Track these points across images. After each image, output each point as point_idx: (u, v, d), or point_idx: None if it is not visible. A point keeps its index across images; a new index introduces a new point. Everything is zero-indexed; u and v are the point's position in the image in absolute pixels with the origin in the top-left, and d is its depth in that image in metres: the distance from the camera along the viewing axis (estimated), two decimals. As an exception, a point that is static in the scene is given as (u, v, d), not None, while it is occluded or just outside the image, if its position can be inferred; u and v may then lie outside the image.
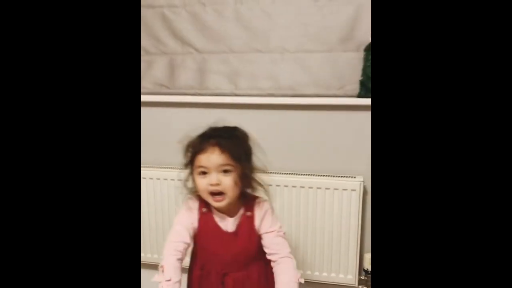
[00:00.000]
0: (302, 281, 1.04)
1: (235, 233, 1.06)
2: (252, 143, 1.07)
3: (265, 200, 1.10)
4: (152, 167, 1.62)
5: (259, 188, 1.08)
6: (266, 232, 1.07)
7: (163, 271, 0.98)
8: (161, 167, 1.61)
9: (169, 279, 0.96)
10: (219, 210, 1.06)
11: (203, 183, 1.01)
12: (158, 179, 1.59)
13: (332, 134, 1.50)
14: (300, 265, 1.49)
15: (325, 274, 1.52)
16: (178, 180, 1.49)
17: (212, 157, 0.99)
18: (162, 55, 1.64)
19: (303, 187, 1.47)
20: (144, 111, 1.68)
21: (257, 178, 1.07)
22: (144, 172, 1.60)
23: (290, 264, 1.04)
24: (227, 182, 1.00)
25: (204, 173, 1.01)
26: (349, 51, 1.46)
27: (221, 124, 1.06)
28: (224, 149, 0.99)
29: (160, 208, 1.61)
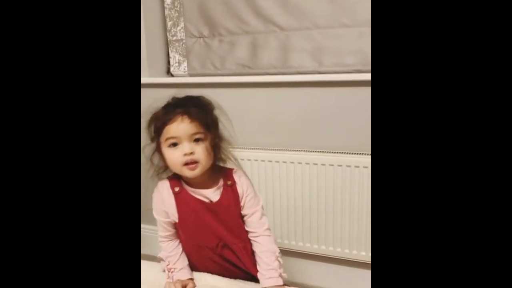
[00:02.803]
0: (280, 259, 1.02)
1: (220, 202, 1.01)
2: (217, 112, 1.02)
3: (241, 171, 1.06)
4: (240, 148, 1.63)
5: (230, 160, 1.04)
6: (250, 214, 1.03)
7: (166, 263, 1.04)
8: (250, 148, 1.62)
9: (172, 268, 1.01)
10: (193, 183, 1.01)
11: (175, 155, 0.95)
12: (249, 160, 1.60)
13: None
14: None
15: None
16: (269, 161, 1.46)
17: (182, 126, 0.94)
18: (244, 35, 1.63)
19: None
20: (228, 92, 1.70)
21: (226, 149, 1.03)
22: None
23: (269, 240, 1.03)
24: (200, 151, 0.95)
25: (174, 144, 0.96)
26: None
27: (183, 94, 1.00)
28: (193, 117, 0.94)
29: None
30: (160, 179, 1.04)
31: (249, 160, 1.58)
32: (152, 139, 1.00)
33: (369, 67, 1.44)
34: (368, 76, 1.44)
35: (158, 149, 1.00)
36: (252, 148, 1.59)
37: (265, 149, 1.57)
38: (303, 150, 1.53)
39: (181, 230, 1.04)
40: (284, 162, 1.52)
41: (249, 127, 1.63)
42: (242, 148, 1.61)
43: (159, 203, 1.02)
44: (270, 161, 1.54)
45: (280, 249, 1.05)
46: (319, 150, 1.51)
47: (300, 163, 1.50)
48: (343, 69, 1.49)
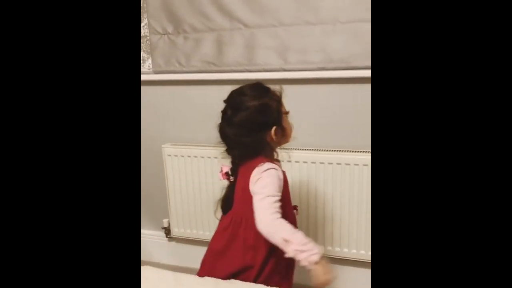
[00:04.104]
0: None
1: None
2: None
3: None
4: (205, 146, 1.63)
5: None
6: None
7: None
8: (214, 146, 1.61)
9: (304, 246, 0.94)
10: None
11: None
12: (209, 157, 1.61)
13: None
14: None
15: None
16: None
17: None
18: (209, 32, 1.62)
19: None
20: (193, 89, 1.68)
21: None
22: (197, 151, 1.64)
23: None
24: None
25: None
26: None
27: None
28: None
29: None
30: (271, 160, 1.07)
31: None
32: (278, 119, 1.06)
33: (333, 65, 1.47)
34: (332, 74, 1.47)
35: (277, 124, 1.05)
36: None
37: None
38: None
39: (283, 205, 1.03)
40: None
41: (214, 124, 1.62)
42: (209, 146, 1.61)
43: (278, 180, 1.03)
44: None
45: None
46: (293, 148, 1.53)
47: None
48: (307, 67, 1.51)
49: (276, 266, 1.06)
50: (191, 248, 1.79)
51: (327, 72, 1.47)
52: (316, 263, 0.92)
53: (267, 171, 1.01)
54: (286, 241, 0.94)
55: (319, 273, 0.92)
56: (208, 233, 1.68)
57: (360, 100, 1.45)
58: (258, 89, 1.07)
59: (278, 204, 1.00)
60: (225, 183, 1.14)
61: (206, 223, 1.70)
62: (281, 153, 1.11)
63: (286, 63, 1.54)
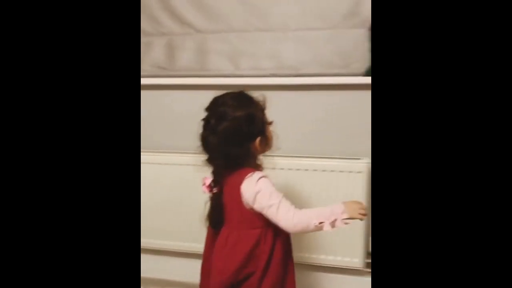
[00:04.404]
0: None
1: None
2: None
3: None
4: (153, 152, 1.59)
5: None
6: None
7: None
8: (162, 152, 1.58)
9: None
10: None
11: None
12: (159, 164, 1.57)
13: (336, 114, 1.45)
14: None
15: (331, 257, 1.50)
16: (181, 164, 1.44)
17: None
18: (160, 36, 1.59)
19: (306, 170, 1.44)
20: (143, 94, 1.64)
21: None
22: (144, 157, 1.58)
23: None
24: None
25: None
26: (353, 27, 1.40)
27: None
28: None
29: (160, 193, 1.59)
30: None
31: (180, 164, 1.54)
32: (267, 125, 1.07)
33: (284, 71, 1.49)
34: (284, 81, 1.49)
35: (262, 134, 1.05)
36: (176, 152, 1.56)
37: (187, 152, 1.55)
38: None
39: None
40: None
41: (165, 129, 1.60)
42: (159, 152, 1.58)
43: (272, 184, 1.04)
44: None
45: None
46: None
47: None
48: (259, 73, 1.52)
49: (280, 259, 1.07)
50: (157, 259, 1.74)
51: (279, 79, 1.50)
52: (348, 217, 1.00)
53: (261, 181, 1.02)
54: (319, 224, 0.99)
55: (356, 216, 1.01)
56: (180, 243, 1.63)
57: (314, 106, 1.47)
58: (242, 98, 1.06)
59: (288, 200, 1.03)
60: (207, 195, 1.13)
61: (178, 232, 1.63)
62: (265, 160, 1.11)
63: (237, 68, 1.54)
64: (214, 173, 1.08)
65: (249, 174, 1.02)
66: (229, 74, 1.55)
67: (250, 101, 1.06)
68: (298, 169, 1.44)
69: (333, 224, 0.99)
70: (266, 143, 1.07)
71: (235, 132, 1.01)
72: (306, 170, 1.44)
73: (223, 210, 1.07)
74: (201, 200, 1.12)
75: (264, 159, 1.12)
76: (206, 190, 1.10)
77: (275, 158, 1.37)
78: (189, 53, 1.58)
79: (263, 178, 1.02)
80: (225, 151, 1.01)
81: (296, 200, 1.48)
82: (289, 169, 1.45)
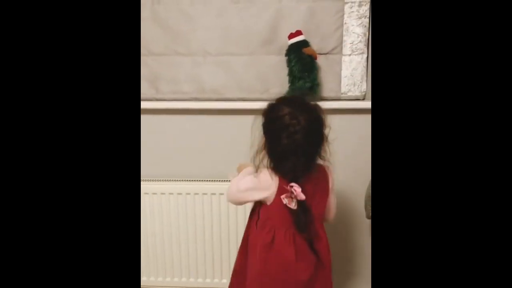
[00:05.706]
0: None
1: None
2: None
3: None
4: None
5: None
6: None
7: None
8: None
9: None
10: None
11: None
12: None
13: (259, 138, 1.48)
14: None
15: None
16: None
17: None
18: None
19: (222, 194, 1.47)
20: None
21: None
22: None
23: None
24: None
25: None
26: (271, 54, 1.46)
27: None
28: None
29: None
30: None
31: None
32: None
33: (205, 95, 1.49)
34: (204, 105, 1.49)
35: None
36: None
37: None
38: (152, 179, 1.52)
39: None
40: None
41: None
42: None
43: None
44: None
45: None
46: (162, 179, 1.51)
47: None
48: (180, 97, 1.51)
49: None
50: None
51: (200, 103, 1.49)
52: None
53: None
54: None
55: None
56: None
57: (237, 130, 1.49)
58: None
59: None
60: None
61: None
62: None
63: (157, 92, 1.51)
64: (292, 176, 1.03)
65: (329, 170, 1.12)
66: (150, 98, 1.51)
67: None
68: (221, 194, 1.46)
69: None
70: None
71: (320, 130, 1.05)
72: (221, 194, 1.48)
73: (307, 215, 1.05)
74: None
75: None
76: (302, 196, 1.02)
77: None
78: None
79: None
80: (312, 150, 1.05)
81: (189, 223, 1.50)
82: (212, 193, 1.46)
